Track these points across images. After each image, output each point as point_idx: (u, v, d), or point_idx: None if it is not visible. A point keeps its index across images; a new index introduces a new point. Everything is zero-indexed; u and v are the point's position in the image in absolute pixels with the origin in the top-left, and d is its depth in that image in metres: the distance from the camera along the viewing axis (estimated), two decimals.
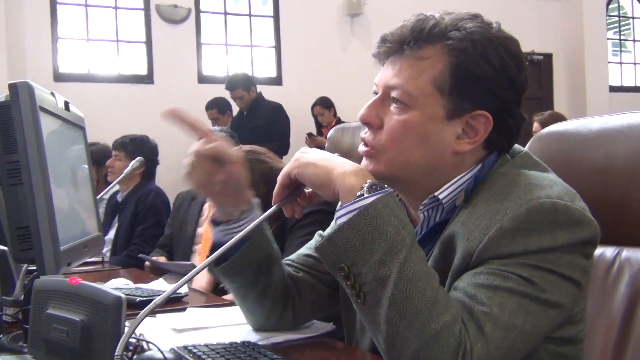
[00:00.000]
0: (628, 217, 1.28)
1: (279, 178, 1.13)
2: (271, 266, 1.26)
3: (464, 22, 1.09)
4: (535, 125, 4.72)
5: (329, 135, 2.32)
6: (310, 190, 1.14)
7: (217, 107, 6.06)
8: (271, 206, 1.14)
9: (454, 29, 1.08)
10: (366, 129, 1.14)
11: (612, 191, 1.30)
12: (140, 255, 3.04)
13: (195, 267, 2.68)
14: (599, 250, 1.31)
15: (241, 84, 5.89)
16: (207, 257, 1.12)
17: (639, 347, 1.23)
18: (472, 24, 1.08)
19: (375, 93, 1.14)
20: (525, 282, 0.97)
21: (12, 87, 1.15)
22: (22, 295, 1.26)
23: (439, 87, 1.07)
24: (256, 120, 5.80)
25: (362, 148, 1.14)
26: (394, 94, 1.10)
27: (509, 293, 0.97)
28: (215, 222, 1.24)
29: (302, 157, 1.10)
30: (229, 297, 1.94)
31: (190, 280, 1.06)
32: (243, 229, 1.19)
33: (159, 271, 2.79)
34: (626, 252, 1.29)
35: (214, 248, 1.25)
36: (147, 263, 2.93)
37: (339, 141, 2.20)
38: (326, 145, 2.30)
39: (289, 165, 1.11)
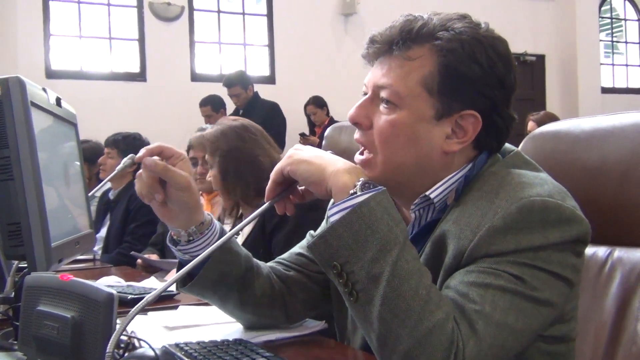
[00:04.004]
0: (620, 217, 1.29)
1: (272, 175, 1.13)
2: (243, 278, 1.24)
3: (453, 23, 1.09)
4: (531, 124, 4.73)
5: (326, 133, 2.32)
6: (302, 187, 1.14)
7: (211, 105, 6.06)
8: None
9: (442, 29, 1.08)
10: (357, 130, 1.14)
11: (604, 191, 1.30)
12: (132, 252, 3.03)
13: None
14: (591, 250, 1.31)
15: (239, 82, 5.89)
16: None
17: (630, 346, 1.23)
18: (461, 24, 1.08)
19: (365, 94, 1.14)
20: (516, 280, 0.97)
21: (4, 82, 1.14)
22: (12, 292, 1.26)
23: (427, 87, 1.07)
24: (252, 118, 5.79)
25: (358, 157, 1.14)
26: (383, 94, 1.10)
27: (501, 291, 0.97)
28: (173, 242, 1.22)
29: (295, 154, 1.10)
30: None
31: (179, 278, 1.05)
32: (199, 249, 1.18)
33: (150, 269, 2.78)
34: (618, 252, 1.30)
35: (180, 266, 1.25)
36: (139, 261, 2.92)
37: (336, 140, 2.20)
38: (323, 143, 2.30)
39: (282, 161, 1.11)
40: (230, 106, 6.14)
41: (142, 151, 1.14)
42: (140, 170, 1.14)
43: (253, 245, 2.11)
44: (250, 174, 2.22)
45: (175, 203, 1.15)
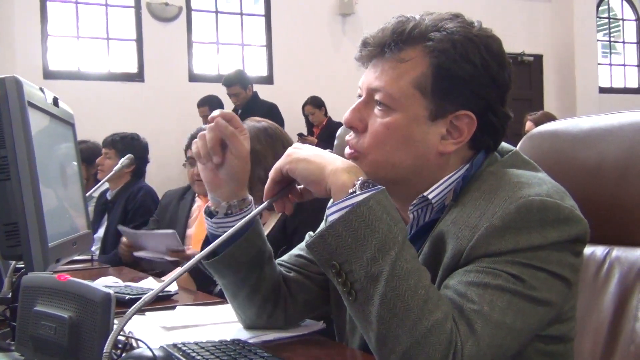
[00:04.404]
0: (618, 216, 1.28)
1: (271, 173, 1.13)
2: (263, 264, 1.26)
3: (445, 23, 1.09)
4: (529, 124, 4.74)
5: (338, 133, 2.33)
6: (301, 186, 1.14)
7: (209, 105, 6.06)
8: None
9: (434, 30, 1.08)
10: (351, 132, 1.14)
11: (602, 190, 1.30)
12: (119, 227, 3.04)
13: (175, 235, 2.68)
14: (589, 249, 1.31)
15: (238, 81, 5.89)
16: (200, 249, 1.12)
17: (628, 345, 1.23)
18: (453, 24, 1.08)
19: (360, 96, 1.14)
20: (515, 280, 0.97)
21: (1, 82, 1.14)
22: (9, 293, 1.25)
23: (421, 89, 1.07)
24: None
25: (347, 151, 1.14)
26: (377, 96, 1.10)
27: (499, 291, 0.97)
28: (208, 214, 1.24)
29: (294, 152, 1.10)
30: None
31: (178, 277, 1.05)
32: (236, 224, 1.19)
33: (134, 247, 2.80)
34: (616, 251, 1.30)
35: (206, 240, 1.25)
36: (123, 239, 2.92)
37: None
38: (335, 143, 2.31)
39: (281, 160, 1.11)
40: (228, 106, 6.14)
41: (217, 112, 1.19)
42: (204, 131, 1.18)
43: (273, 244, 2.12)
44: (258, 174, 2.24)
45: (228, 171, 1.19)
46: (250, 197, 1.25)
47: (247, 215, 1.21)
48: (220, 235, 1.15)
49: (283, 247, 2.09)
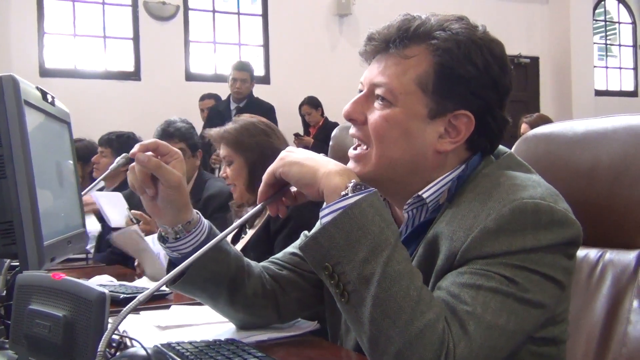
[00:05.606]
0: (612, 219, 1.29)
1: (264, 177, 1.13)
2: (232, 276, 1.25)
3: (450, 23, 1.10)
4: (524, 126, 4.76)
5: (333, 133, 2.33)
6: (295, 189, 1.14)
7: (214, 98, 6.08)
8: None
9: (439, 29, 1.09)
10: (352, 126, 1.15)
11: (596, 193, 1.31)
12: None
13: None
14: (582, 252, 1.32)
15: (248, 71, 5.89)
16: (166, 273, 1.12)
17: (620, 348, 1.24)
18: (458, 25, 1.09)
19: (361, 91, 1.15)
20: (508, 282, 0.98)
21: None
22: (4, 291, 1.25)
23: (422, 86, 1.08)
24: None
25: (351, 152, 1.14)
26: (378, 91, 1.11)
27: (492, 293, 0.97)
28: (162, 239, 1.23)
29: (287, 156, 1.11)
30: None
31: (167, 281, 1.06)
32: (187, 247, 1.19)
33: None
34: (609, 254, 1.30)
35: (170, 264, 1.25)
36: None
37: (343, 140, 2.20)
38: (331, 143, 2.31)
39: (274, 164, 1.12)
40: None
41: (136, 146, 1.15)
42: (134, 163, 1.14)
43: (256, 244, 2.11)
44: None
45: (164, 200, 1.16)
46: (197, 216, 1.21)
47: (197, 234, 1.20)
48: (177, 258, 1.18)
49: (267, 248, 2.10)
